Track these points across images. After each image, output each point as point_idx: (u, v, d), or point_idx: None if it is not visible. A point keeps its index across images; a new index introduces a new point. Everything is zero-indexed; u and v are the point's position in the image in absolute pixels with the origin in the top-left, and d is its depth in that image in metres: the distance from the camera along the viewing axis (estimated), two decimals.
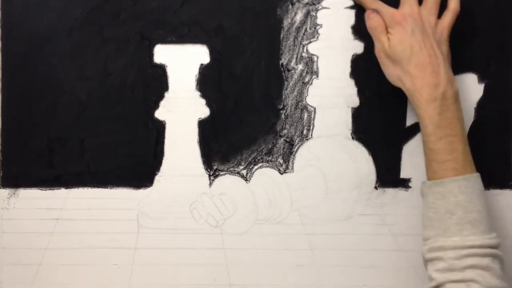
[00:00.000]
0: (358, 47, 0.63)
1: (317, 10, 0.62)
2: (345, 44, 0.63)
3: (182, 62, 0.62)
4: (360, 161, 0.64)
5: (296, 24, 0.63)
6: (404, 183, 0.64)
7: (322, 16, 0.62)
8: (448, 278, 0.51)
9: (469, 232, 0.51)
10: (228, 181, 0.64)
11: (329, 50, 0.63)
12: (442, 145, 0.54)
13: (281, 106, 0.63)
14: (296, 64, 0.63)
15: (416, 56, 0.55)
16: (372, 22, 0.58)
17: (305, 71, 0.63)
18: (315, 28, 0.63)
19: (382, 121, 0.63)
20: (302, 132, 0.64)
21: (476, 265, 0.50)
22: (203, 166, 0.63)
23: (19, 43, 0.62)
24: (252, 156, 0.63)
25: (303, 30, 0.63)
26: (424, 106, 0.54)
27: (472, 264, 0.50)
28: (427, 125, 0.54)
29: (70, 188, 0.63)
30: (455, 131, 0.54)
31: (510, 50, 0.63)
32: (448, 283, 0.51)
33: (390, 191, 0.64)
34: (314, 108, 0.63)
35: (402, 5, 0.58)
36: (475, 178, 0.54)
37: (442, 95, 0.54)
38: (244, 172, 0.64)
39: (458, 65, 0.62)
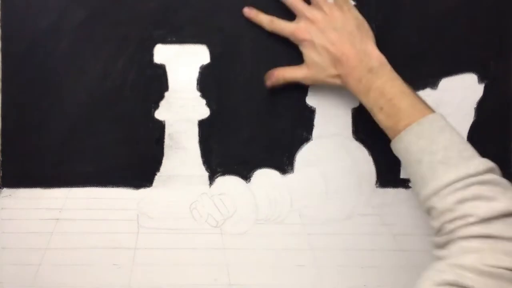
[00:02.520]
0: None
1: None
2: None
3: (182, 62, 0.62)
4: (360, 161, 0.64)
5: None
6: (404, 183, 0.64)
7: None
8: (442, 220, 0.49)
9: (442, 171, 0.50)
10: (228, 181, 0.64)
11: None
12: (385, 114, 0.55)
13: (281, 106, 0.63)
14: (296, 64, 0.63)
15: (331, 56, 0.56)
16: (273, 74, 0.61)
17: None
18: None
19: None
20: (302, 132, 0.64)
21: (463, 199, 0.48)
22: (203, 166, 0.63)
23: (19, 43, 0.62)
24: (252, 156, 0.63)
25: None
26: (354, 89, 0.57)
27: (458, 199, 0.48)
28: (365, 103, 0.56)
29: (70, 188, 0.63)
30: (390, 94, 0.54)
31: (510, 50, 0.63)
32: (445, 224, 0.48)
33: (390, 191, 0.64)
34: (314, 108, 0.63)
35: (308, 9, 0.59)
36: (430, 118, 0.53)
37: (369, 70, 0.56)
38: (244, 172, 0.64)
39: (458, 65, 0.62)
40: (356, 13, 0.58)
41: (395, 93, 0.55)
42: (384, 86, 0.55)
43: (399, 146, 0.54)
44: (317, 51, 0.57)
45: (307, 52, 0.59)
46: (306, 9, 0.58)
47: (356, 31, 0.57)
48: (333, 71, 0.57)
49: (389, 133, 0.55)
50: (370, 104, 0.56)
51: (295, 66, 0.60)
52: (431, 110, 0.54)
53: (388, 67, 0.56)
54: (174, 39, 0.62)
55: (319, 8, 0.58)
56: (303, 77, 0.60)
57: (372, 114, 0.56)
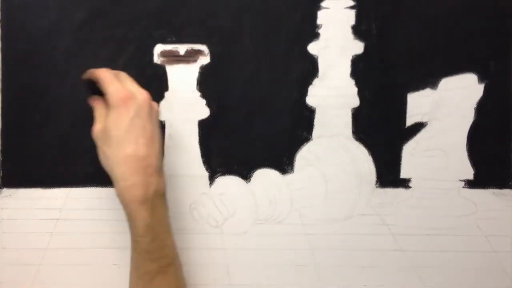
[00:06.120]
0: (358, 47, 0.63)
1: (317, 10, 0.62)
2: (345, 44, 0.63)
3: (182, 62, 0.62)
4: (360, 161, 0.64)
5: (296, 24, 0.62)
6: (404, 183, 0.64)
7: (322, 16, 0.62)
8: None
9: None
10: (228, 181, 0.64)
11: (329, 50, 0.63)
12: (155, 245, 0.50)
13: (281, 106, 0.63)
14: (296, 64, 0.63)
15: (131, 145, 0.49)
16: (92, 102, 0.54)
17: (305, 71, 0.63)
18: (315, 28, 0.63)
19: (382, 121, 0.63)
20: (302, 132, 0.64)
21: None
22: (203, 166, 0.63)
23: (19, 43, 0.62)
24: (252, 156, 0.63)
25: (303, 30, 0.63)
26: (136, 206, 0.49)
27: None
28: (139, 226, 0.49)
29: (70, 188, 0.63)
30: (165, 227, 0.51)
31: (510, 50, 0.63)
32: None
33: (390, 191, 0.64)
34: (314, 108, 0.63)
35: (119, 83, 0.51)
36: None
37: (154, 194, 0.50)
38: (244, 172, 0.64)
39: (458, 65, 0.62)
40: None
41: (167, 227, 0.52)
42: (162, 216, 0.51)
43: None
44: (123, 126, 0.49)
45: (115, 117, 0.50)
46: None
47: (158, 136, 0.52)
48: (123, 162, 0.49)
49: (145, 264, 0.51)
50: (146, 227, 0.50)
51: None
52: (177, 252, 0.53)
53: (165, 197, 0.52)
54: (174, 39, 0.62)
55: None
56: (97, 128, 0.52)
57: (137, 235, 0.50)
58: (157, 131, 0.51)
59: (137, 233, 0.50)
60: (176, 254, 0.54)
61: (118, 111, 0.49)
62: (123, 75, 0.53)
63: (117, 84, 0.50)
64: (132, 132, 0.49)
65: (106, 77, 0.51)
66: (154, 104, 0.52)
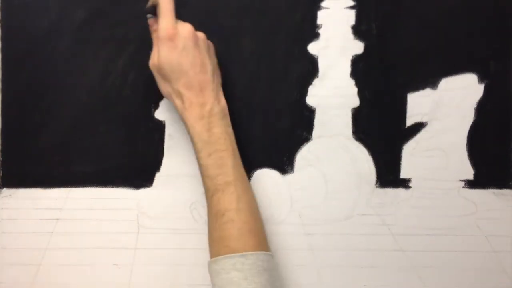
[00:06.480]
0: (358, 47, 0.63)
1: (317, 10, 0.62)
2: (345, 44, 0.63)
3: None
4: (360, 161, 0.64)
5: (296, 24, 0.63)
6: (404, 183, 0.64)
7: (322, 16, 0.62)
8: None
9: None
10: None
11: (329, 50, 0.63)
12: (212, 160, 0.54)
13: (281, 106, 0.63)
14: (296, 64, 0.63)
15: (185, 76, 0.54)
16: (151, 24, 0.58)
17: (305, 71, 0.63)
18: (315, 28, 0.63)
19: (382, 121, 0.63)
20: (302, 132, 0.64)
21: None
22: None
23: (19, 43, 0.62)
24: (252, 156, 0.63)
25: (303, 30, 0.63)
26: (192, 123, 0.55)
27: None
28: (196, 142, 0.55)
29: (70, 188, 0.63)
30: (224, 146, 0.55)
31: (510, 50, 0.63)
32: None
33: (390, 191, 0.64)
34: (314, 108, 0.63)
35: (171, 17, 0.55)
36: (258, 256, 0.51)
37: (209, 112, 0.55)
38: None
39: (458, 65, 0.62)
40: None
41: (228, 147, 0.55)
42: (220, 135, 0.55)
43: (212, 267, 0.52)
44: (175, 60, 0.54)
45: (166, 52, 0.54)
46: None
47: (214, 69, 0.57)
48: (180, 88, 0.55)
49: (205, 181, 0.55)
50: (202, 142, 0.55)
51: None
52: (245, 177, 0.56)
53: (228, 119, 0.57)
54: None
55: None
56: (152, 62, 0.56)
57: (196, 151, 0.55)
58: (206, 57, 0.56)
59: (196, 149, 0.55)
60: (238, 175, 0.55)
61: (168, 47, 0.54)
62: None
63: (168, 19, 0.54)
64: (182, 64, 0.54)
65: (164, 7, 0.55)
66: (199, 33, 0.56)
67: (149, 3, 0.57)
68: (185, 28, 0.55)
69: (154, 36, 0.57)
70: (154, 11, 0.57)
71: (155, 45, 0.56)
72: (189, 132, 0.56)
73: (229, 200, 0.54)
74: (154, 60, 0.56)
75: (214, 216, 0.54)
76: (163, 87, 0.56)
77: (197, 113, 0.55)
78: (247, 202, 0.55)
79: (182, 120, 0.56)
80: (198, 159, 0.56)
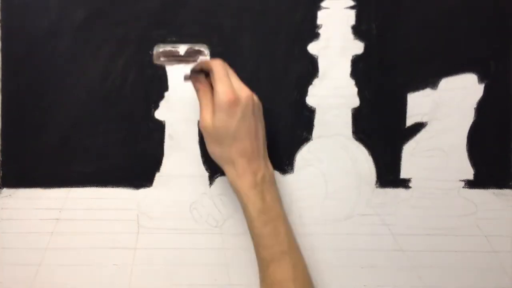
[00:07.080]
0: (358, 47, 0.63)
1: (317, 10, 0.62)
2: (345, 44, 0.63)
3: (182, 62, 0.62)
4: (360, 161, 0.64)
5: (296, 24, 0.62)
6: (404, 183, 0.64)
7: (322, 16, 0.62)
8: None
9: None
10: (228, 181, 0.63)
11: (329, 50, 0.63)
12: (268, 230, 0.54)
13: (281, 106, 0.63)
14: (296, 64, 0.63)
15: (240, 143, 0.53)
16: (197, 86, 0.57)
17: (305, 71, 0.63)
18: (315, 28, 0.63)
19: (382, 121, 0.63)
20: (302, 132, 0.63)
21: None
22: (203, 166, 0.63)
23: (19, 43, 0.62)
24: None
25: (303, 30, 0.63)
26: (246, 192, 0.54)
27: None
28: (251, 211, 0.54)
29: (70, 188, 0.63)
30: (277, 213, 0.55)
31: (510, 50, 0.63)
32: None
33: (390, 191, 0.64)
34: (314, 108, 0.63)
35: (229, 82, 0.53)
36: None
37: (262, 180, 0.54)
38: None
39: (458, 65, 0.62)
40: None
41: (280, 214, 0.55)
42: (272, 203, 0.55)
43: None
44: (232, 127, 0.53)
45: (224, 118, 0.53)
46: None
47: (263, 133, 0.56)
48: (233, 155, 0.54)
49: (259, 250, 0.55)
50: (257, 212, 0.54)
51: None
52: (296, 241, 0.57)
53: (276, 184, 0.57)
54: (174, 39, 0.62)
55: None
56: (204, 125, 0.54)
57: (250, 220, 0.54)
58: (260, 124, 0.56)
59: (250, 218, 0.54)
60: (292, 244, 0.55)
61: (227, 113, 0.52)
62: (231, 71, 0.55)
63: (226, 83, 0.53)
64: (239, 132, 0.53)
65: (219, 72, 0.54)
66: (255, 98, 0.55)
67: (197, 67, 0.57)
68: (245, 94, 0.53)
69: (201, 94, 0.56)
70: (199, 72, 0.56)
71: (206, 106, 0.54)
72: (241, 201, 0.54)
73: (286, 270, 0.53)
74: (207, 121, 0.54)
75: (270, 286, 0.54)
76: (213, 149, 0.55)
77: (251, 181, 0.54)
78: (301, 270, 0.55)
79: (233, 188, 0.55)
80: (251, 228, 0.54)
